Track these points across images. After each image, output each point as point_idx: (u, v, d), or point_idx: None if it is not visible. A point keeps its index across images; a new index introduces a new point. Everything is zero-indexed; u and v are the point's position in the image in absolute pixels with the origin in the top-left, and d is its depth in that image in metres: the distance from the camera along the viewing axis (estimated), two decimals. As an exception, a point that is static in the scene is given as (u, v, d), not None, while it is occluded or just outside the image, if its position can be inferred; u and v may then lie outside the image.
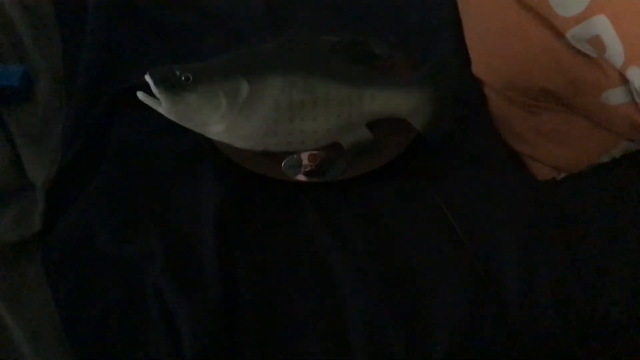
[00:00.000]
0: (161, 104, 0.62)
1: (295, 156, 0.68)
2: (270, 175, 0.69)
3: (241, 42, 0.82)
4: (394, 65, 0.73)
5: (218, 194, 0.68)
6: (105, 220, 0.66)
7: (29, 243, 0.63)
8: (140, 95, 0.62)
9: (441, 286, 0.63)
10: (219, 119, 0.63)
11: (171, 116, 0.63)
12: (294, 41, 0.66)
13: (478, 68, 0.78)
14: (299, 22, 0.87)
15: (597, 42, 0.65)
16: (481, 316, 0.62)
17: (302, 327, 0.60)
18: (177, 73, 0.62)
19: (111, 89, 0.77)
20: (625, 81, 0.66)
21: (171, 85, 0.62)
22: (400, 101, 0.66)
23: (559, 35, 0.72)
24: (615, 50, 0.64)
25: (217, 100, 0.62)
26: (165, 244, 0.64)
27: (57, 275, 0.62)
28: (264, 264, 0.64)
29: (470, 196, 0.69)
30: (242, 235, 0.66)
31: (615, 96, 0.68)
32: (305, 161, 0.67)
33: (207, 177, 0.70)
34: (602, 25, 0.64)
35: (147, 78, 0.62)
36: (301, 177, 0.69)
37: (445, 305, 0.62)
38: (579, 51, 0.71)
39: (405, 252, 0.65)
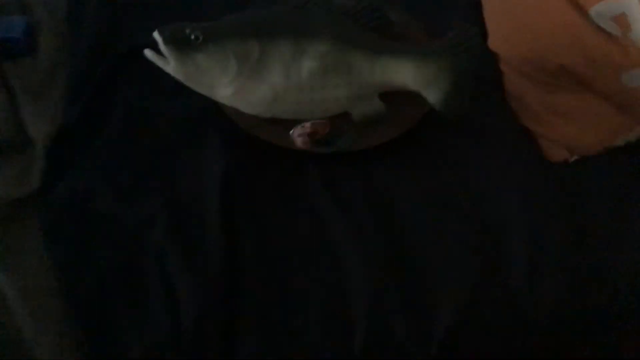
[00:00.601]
0: (169, 63, 0.60)
1: (303, 124, 0.66)
2: (277, 143, 0.67)
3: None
4: (410, 35, 0.70)
5: (223, 160, 0.66)
6: (106, 182, 0.64)
7: (27, 201, 0.61)
8: (147, 53, 0.60)
9: (445, 266, 0.62)
10: (227, 81, 0.61)
11: (179, 76, 0.61)
12: (307, 3, 0.63)
13: (495, 41, 0.76)
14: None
15: (622, 20, 0.63)
16: (485, 298, 0.60)
17: (302, 298, 0.59)
18: (187, 31, 0.60)
19: (116, 47, 0.75)
20: (648, 63, 0.64)
21: (180, 44, 0.60)
22: (414, 72, 0.63)
23: (582, 10, 0.70)
24: (641, 30, 0.62)
25: (227, 61, 0.60)
26: (168, 208, 0.63)
27: (55, 236, 0.60)
28: (267, 232, 0.63)
29: (479, 174, 0.67)
30: (246, 203, 0.64)
31: (637, 78, 0.65)
32: (312, 130, 0.65)
33: (213, 142, 0.68)
34: (629, 4, 0.62)
35: (156, 36, 0.60)
36: (308, 146, 0.67)
37: (449, 285, 0.61)
38: (601, 29, 0.69)
39: (409, 228, 0.64)
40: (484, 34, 0.78)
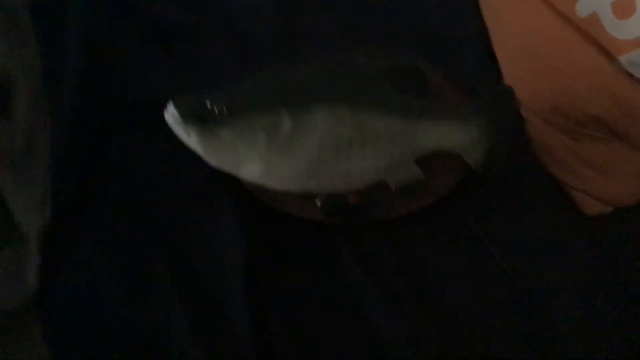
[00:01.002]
0: (190, 137, 0.52)
1: (333, 195, 0.59)
2: (301, 215, 0.60)
3: (250, 45, 0.72)
4: (444, 92, 0.64)
5: (242, 238, 0.59)
6: (113, 277, 0.56)
7: (24, 306, 0.52)
8: (169, 118, 0.52)
9: (497, 336, 0.57)
10: (255, 157, 0.53)
11: (200, 151, 0.53)
12: (339, 65, 0.57)
13: (512, 84, 0.72)
14: (311, 27, 0.77)
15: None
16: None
17: None
18: (208, 104, 0.52)
19: (105, 103, 0.66)
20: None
21: (202, 119, 0.52)
22: (457, 136, 0.58)
23: (610, 57, 0.66)
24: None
25: (255, 136, 0.53)
26: (185, 301, 0.55)
27: (59, 346, 0.52)
28: (300, 318, 0.57)
29: (518, 236, 0.63)
30: (273, 285, 0.58)
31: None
32: (345, 200, 0.59)
33: (228, 216, 0.61)
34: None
35: (171, 110, 0.52)
36: (339, 218, 0.60)
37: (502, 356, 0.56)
38: (633, 77, 0.65)
39: (450, 301, 0.59)
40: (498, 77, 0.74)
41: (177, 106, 0.52)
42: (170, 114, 0.52)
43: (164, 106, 0.53)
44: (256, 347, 0.54)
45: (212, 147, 0.53)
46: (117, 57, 0.70)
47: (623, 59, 0.65)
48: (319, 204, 0.60)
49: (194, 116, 0.52)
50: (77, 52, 0.69)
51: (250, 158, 0.54)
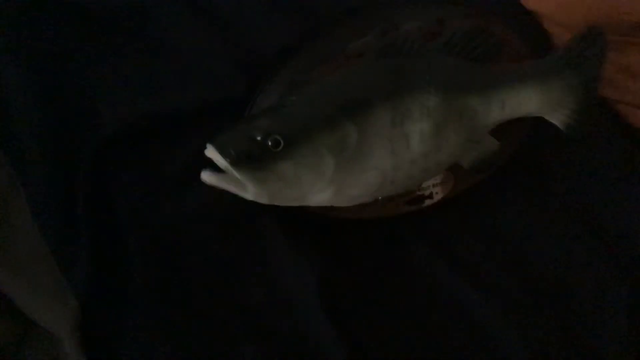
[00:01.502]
0: (247, 188, 0.41)
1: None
2: (360, 216, 0.52)
3: (238, 36, 0.58)
4: (511, 47, 0.54)
5: (302, 258, 0.51)
6: (180, 352, 0.46)
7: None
8: (208, 178, 0.41)
9: (596, 298, 0.54)
10: (325, 185, 0.44)
11: (262, 199, 0.43)
12: (390, 48, 0.45)
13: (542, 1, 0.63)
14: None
15: None
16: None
17: None
18: (259, 138, 0.41)
19: (79, 140, 0.53)
20: None
21: (257, 161, 0.41)
22: (537, 99, 0.49)
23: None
24: None
25: (321, 161, 0.43)
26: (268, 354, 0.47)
27: None
28: (391, 328, 0.51)
29: (592, 185, 0.57)
30: (356, 304, 0.51)
31: None
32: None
33: (277, 238, 0.52)
34: None
35: (212, 154, 0.41)
36: (403, 208, 0.53)
37: (605, 319, 0.53)
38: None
39: (545, 268, 0.54)
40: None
41: (221, 149, 0.40)
42: (209, 172, 0.41)
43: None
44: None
45: (273, 189, 0.42)
46: (78, 71, 0.55)
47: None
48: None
49: (245, 157, 0.41)
50: (24, 74, 0.53)
51: (318, 187, 0.44)
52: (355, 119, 0.43)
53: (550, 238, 0.56)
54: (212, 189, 0.46)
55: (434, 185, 0.54)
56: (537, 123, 0.54)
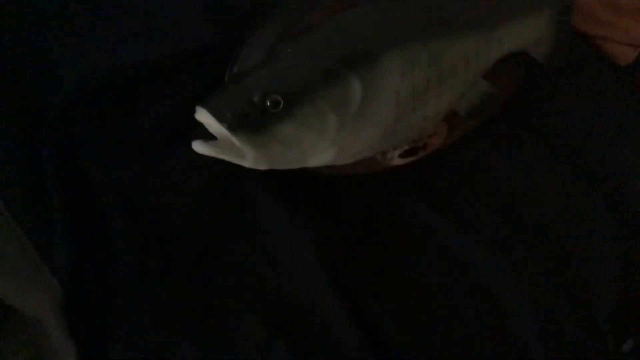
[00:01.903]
0: (245, 155, 0.38)
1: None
2: (354, 172, 0.49)
3: None
4: None
5: (294, 218, 0.48)
6: (180, 335, 0.43)
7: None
8: (202, 149, 0.37)
9: (589, 242, 0.53)
10: (327, 145, 0.40)
11: (261, 165, 0.39)
12: None
13: None
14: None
15: None
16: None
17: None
18: (256, 99, 0.37)
19: (46, 107, 0.47)
20: None
21: (255, 124, 0.37)
22: (526, 33, 0.47)
23: None
24: None
25: (323, 120, 0.39)
26: (274, 328, 0.45)
27: None
28: (388, 281, 0.49)
29: (587, 127, 0.56)
30: (360, 270, 0.48)
31: None
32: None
33: (267, 199, 0.48)
34: None
35: (204, 118, 0.37)
36: (397, 161, 0.50)
37: (599, 263, 0.53)
38: None
39: (538, 214, 0.53)
40: None
41: (215, 113, 0.36)
42: (200, 142, 0.37)
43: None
44: (363, 340, 0.46)
45: (273, 154, 0.39)
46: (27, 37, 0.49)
47: None
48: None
49: (243, 121, 0.37)
50: None
51: (320, 148, 0.40)
52: (359, 71, 0.40)
53: (542, 184, 0.54)
54: (192, 149, 0.42)
55: (427, 136, 0.51)
56: (528, 70, 0.52)
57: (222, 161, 0.45)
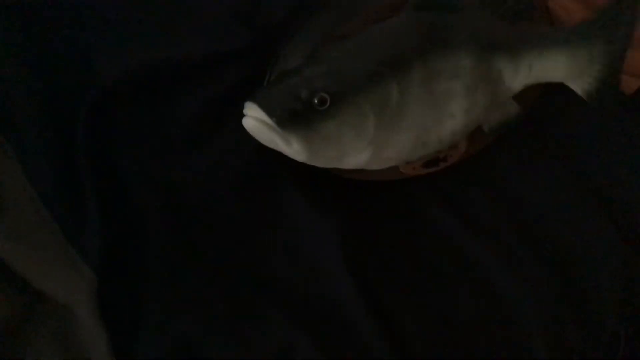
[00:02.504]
0: (291, 144, 0.39)
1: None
2: (379, 178, 0.51)
3: None
4: (533, 13, 0.52)
5: (321, 220, 0.49)
6: (206, 326, 0.44)
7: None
8: (253, 126, 0.38)
9: (592, 251, 0.55)
10: (364, 145, 0.42)
11: (301, 157, 0.41)
12: (423, 3, 0.44)
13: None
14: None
15: None
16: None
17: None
18: (305, 95, 0.39)
19: (81, 100, 0.48)
20: None
21: (302, 120, 0.38)
22: (566, 64, 0.49)
23: None
24: None
25: (364, 120, 0.41)
26: (302, 323, 0.46)
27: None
28: (411, 285, 0.50)
29: (595, 148, 0.58)
30: (378, 268, 0.50)
31: None
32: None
33: (294, 200, 0.50)
34: None
35: (255, 112, 0.38)
36: (420, 171, 0.52)
37: (602, 272, 0.55)
38: None
39: (547, 226, 0.55)
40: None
41: (267, 108, 0.38)
42: (255, 120, 0.38)
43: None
44: (388, 343, 0.47)
45: (316, 148, 0.40)
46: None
47: None
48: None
49: (292, 116, 0.38)
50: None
51: (357, 148, 0.42)
52: (396, 76, 0.41)
53: (552, 198, 0.56)
54: (223, 144, 0.43)
55: (449, 148, 0.53)
56: (546, 87, 0.55)
57: (253, 159, 0.47)
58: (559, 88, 0.54)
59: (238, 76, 0.51)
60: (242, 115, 0.41)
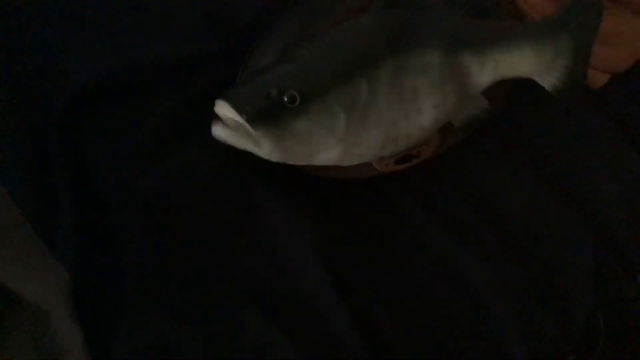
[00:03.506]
0: (261, 145, 0.40)
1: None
2: (351, 176, 0.51)
3: None
4: (507, 10, 0.53)
5: (294, 218, 0.50)
6: (180, 327, 0.44)
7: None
8: (221, 132, 0.39)
9: (564, 251, 0.57)
10: (335, 142, 0.43)
11: (274, 157, 0.41)
12: (390, 1, 0.45)
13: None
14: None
15: None
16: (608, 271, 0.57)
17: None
18: (275, 94, 0.39)
19: (52, 103, 0.48)
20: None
21: (272, 117, 0.39)
22: (532, 60, 0.50)
23: None
24: None
25: (334, 117, 0.42)
26: (276, 326, 0.46)
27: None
28: (393, 290, 0.51)
29: (563, 145, 0.60)
30: (348, 260, 0.50)
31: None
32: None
33: (268, 199, 0.50)
34: None
35: (224, 110, 0.38)
36: (392, 167, 0.53)
37: (575, 268, 0.56)
38: None
39: (517, 221, 0.56)
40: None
41: (237, 105, 0.38)
42: (221, 127, 0.39)
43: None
44: (362, 338, 0.48)
45: (286, 147, 0.41)
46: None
47: None
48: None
49: (262, 114, 0.39)
50: None
51: (328, 145, 0.43)
52: (365, 74, 0.42)
53: (521, 194, 0.58)
54: (195, 148, 0.44)
55: (421, 145, 0.54)
56: (515, 84, 0.56)
57: (225, 161, 0.47)
58: (531, 84, 0.55)
59: (209, 79, 0.51)
60: (214, 118, 0.42)
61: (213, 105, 0.41)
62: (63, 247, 0.44)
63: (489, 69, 0.48)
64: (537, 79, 0.51)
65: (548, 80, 0.51)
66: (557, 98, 0.52)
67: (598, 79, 0.66)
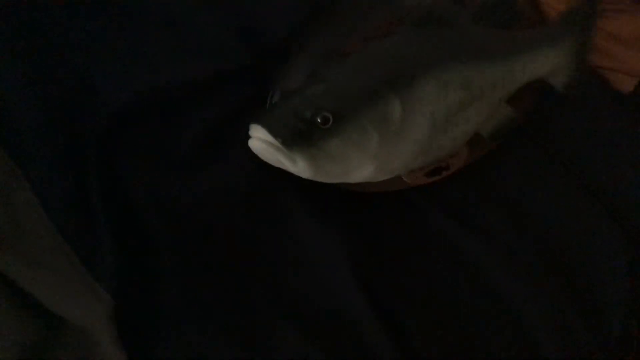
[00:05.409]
0: (296, 163, 0.40)
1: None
2: (382, 189, 0.52)
3: (238, 5, 0.56)
4: (523, 13, 0.55)
5: (327, 233, 0.50)
6: (217, 335, 0.45)
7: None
8: (258, 146, 0.40)
9: (600, 260, 0.56)
10: (369, 160, 0.43)
11: (307, 174, 0.42)
12: (428, 18, 0.45)
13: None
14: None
15: None
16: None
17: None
18: (308, 114, 0.40)
19: (88, 125, 0.50)
20: None
21: (307, 139, 0.40)
22: (548, 63, 0.51)
23: None
24: None
25: (367, 136, 0.42)
26: (310, 337, 0.47)
27: None
28: (419, 293, 0.51)
29: (594, 150, 0.59)
30: (382, 274, 0.51)
31: None
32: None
33: (300, 213, 0.51)
34: None
35: (259, 133, 0.39)
36: (422, 180, 0.53)
37: (608, 279, 0.56)
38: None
39: (551, 231, 0.56)
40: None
41: (272, 129, 0.39)
42: (261, 142, 0.39)
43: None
44: (396, 349, 0.48)
45: (321, 166, 0.42)
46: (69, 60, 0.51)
47: None
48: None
49: (296, 136, 0.39)
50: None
51: (362, 164, 0.43)
52: (399, 92, 0.43)
53: (554, 202, 0.57)
54: (228, 163, 0.44)
55: (450, 157, 0.54)
56: (541, 93, 0.56)
57: (258, 176, 0.48)
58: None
59: (241, 95, 0.52)
60: (246, 134, 0.42)
61: (244, 120, 0.42)
62: (104, 268, 0.45)
63: (517, 76, 0.49)
64: (551, 79, 0.52)
65: (560, 79, 0.53)
66: (567, 94, 0.53)
67: (627, 82, 0.66)
